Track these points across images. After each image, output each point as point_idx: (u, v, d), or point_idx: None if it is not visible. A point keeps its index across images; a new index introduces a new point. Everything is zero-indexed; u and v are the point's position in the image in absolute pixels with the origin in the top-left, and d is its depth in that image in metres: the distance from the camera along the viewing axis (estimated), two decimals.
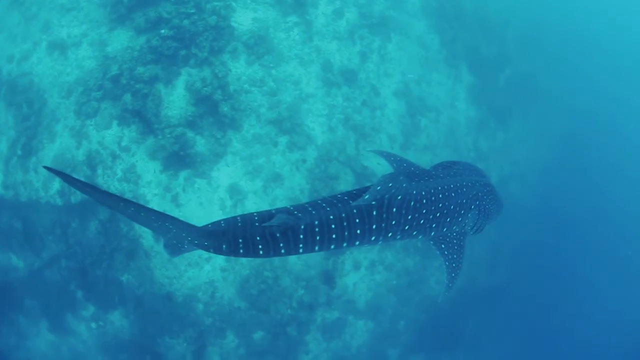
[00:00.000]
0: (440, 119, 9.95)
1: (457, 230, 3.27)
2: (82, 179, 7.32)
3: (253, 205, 7.44)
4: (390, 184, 2.59)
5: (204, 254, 7.26)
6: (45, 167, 2.25)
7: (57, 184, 7.40)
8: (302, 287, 7.69)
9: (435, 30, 10.45)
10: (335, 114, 8.15)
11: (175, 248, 2.38)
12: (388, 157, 3.42)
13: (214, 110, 7.35)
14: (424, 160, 9.37)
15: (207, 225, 2.33)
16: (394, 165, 3.30)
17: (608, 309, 13.43)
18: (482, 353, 10.95)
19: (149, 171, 7.18)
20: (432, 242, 3.22)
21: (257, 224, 2.33)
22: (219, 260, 7.37)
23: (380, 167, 8.12)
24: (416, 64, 9.77)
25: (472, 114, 10.89)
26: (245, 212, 7.26)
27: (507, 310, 11.26)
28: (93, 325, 7.54)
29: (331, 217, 2.41)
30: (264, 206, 7.49)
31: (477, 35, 11.76)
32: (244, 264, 7.45)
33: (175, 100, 7.31)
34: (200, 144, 7.34)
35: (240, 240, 2.29)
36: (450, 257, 3.25)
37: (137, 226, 7.26)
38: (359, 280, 8.23)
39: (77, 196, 7.34)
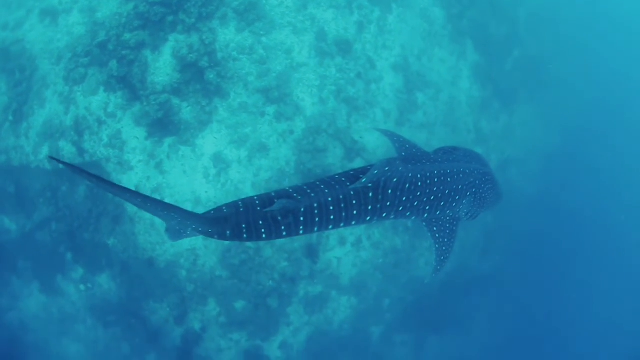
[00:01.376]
0: (440, 97, 9.29)
1: (451, 214, 3.21)
2: (70, 144, 7.15)
3: (237, 174, 7.12)
4: (387, 168, 2.59)
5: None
6: (51, 157, 2.36)
7: (45, 148, 7.26)
8: (285, 259, 7.38)
9: (442, 4, 9.67)
10: (327, 85, 7.65)
11: (176, 233, 2.35)
12: (392, 137, 3.35)
13: (199, 77, 6.98)
14: (420, 138, 8.80)
15: (209, 211, 2.32)
16: (397, 145, 3.24)
17: (603, 306, 12.65)
18: (470, 337, 10.48)
19: (134, 137, 6.92)
20: (424, 224, 3.17)
21: (258, 208, 2.30)
22: None
23: (364, 141, 7.61)
24: (418, 38, 9.08)
25: (475, 93, 10.14)
26: (230, 182, 6.90)
27: (499, 297, 10.68)
28: (82, 287, 7.48)
29: (329, 199, 2.41)
30: (248, 176, 7.16)
31: (487, 12, 10.87)
32: None
33: (161, 66, 6.97)
34: (186, 111, 7.01)
35: (244, 226, 2.28)
36: (441, 240, 3.21)
37: None
38: (344, 256, 7.85)
39: (64, 161, 7.18)
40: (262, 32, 7.32)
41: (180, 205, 2.31)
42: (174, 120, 6.91)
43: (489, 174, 3.44)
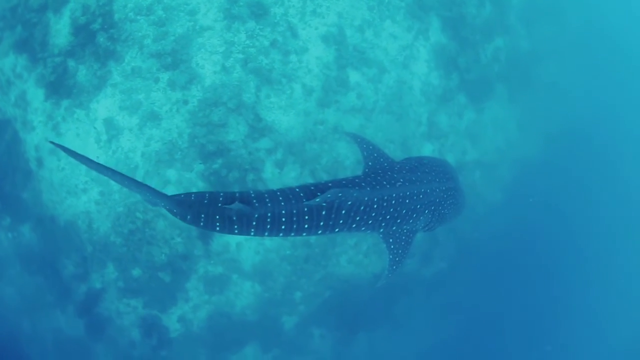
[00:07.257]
0: (384, 79, 6.84)
1: (408, 228, 2.85)
2: None
3: (127, 142, 5.68)
4: (340, 194, 2.34)
5: (81, 183, 5.81)
6: (52, 142, 2.16)
7: None
8: (178, 235, 5.85)
9: None
10: (234, 52, 5.77)
11: (152, 203, 2.19)
12: (361, 144, 3.01)
13: (92, 40, 5.54)
14: (352, 124, 6.53)
15: (179, 194, 2.23)
16: (364, 154, 2.94)
17: (555, 322, 9.33)
18: (409, 336, 8.16)
19: (36, 98, 5.75)
20: (380, 236, 2.81)
21: (219, 204, 2.19)
22: (94, 193, 5.85)
23: (272, 120, 5.63)
24: (363, 7, 6.62)
25: (435, 81, 7.41)
26: (120, 149, 5.80)
27: (444, 298, 8.11)
28: (9, 235, 6.73)
29: (283, 211, 2.24)
30: (139, 145, 5.69)
31: None
32: (117, 200, 5.82)
33: (61, 28, 5.69)
34: (81, 74, 5.68)
35: (202, 216, 2.17)
36: (395, 251, 2.84)
37: (29, 148, 6.02)
38: (244, 241, 6.12)
39: None
40: None
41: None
42: (69, 83, 5.62)
43: (452, 188, 3.04)
